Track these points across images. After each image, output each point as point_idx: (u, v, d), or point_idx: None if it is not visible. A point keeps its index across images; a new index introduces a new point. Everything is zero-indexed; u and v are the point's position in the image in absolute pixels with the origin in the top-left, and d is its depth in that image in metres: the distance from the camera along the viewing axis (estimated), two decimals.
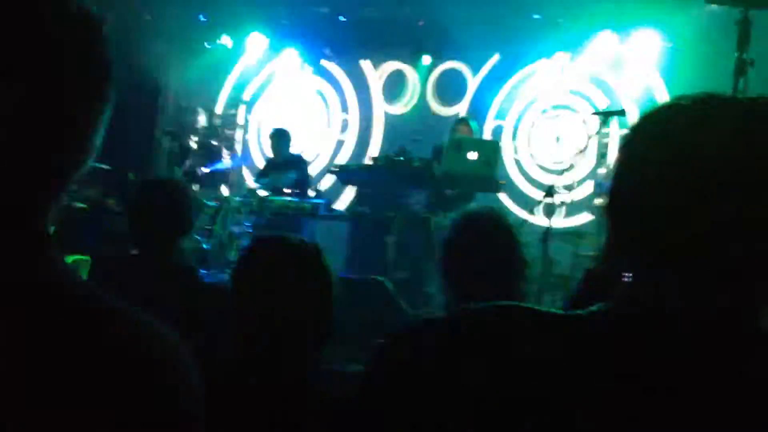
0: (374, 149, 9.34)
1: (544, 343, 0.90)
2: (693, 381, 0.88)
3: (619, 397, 0.88)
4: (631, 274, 0.94)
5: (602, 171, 7.76)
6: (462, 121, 7.10)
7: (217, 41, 9.50)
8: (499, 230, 2.24)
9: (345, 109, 9.74)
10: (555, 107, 8.90)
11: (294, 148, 7.76)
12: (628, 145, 0.97)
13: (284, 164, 7.40)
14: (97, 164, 6.47)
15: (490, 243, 2.19)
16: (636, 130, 0.97)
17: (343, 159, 9.30)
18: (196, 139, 9.33)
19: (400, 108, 9.49)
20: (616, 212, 0.96)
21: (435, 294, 2.34)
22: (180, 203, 2.71)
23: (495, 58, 8.94)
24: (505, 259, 2.18)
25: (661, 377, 0.88)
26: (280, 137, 7.63)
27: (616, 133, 8.08)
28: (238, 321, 1.78)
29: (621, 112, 5.59)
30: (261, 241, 1.91)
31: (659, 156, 0.92)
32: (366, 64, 9.55)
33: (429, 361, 0.95)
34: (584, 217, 7.90)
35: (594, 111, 6.23)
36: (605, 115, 5.58)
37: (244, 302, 1.77)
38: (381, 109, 9.59)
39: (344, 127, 9.72)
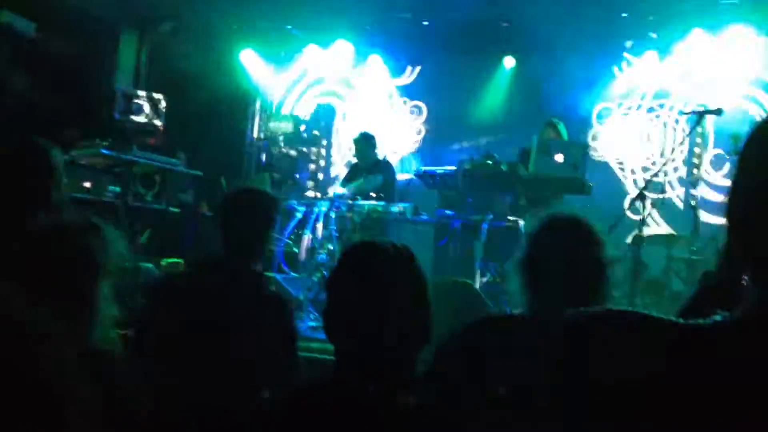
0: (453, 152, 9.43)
1: (670, 354, 0.87)
2: None
3: (749, 407, 0.85)
4: (750, 281, 0.91)
5: (696, 173, 7.54)
6: (550, 124, 6.99)
7: (303, 49, 9.67)
8: (581, 232, 2.21)
9: (420, 111, 9.82)
10: (648, 109, 8.75)
11: (379, 153, 7.82)
12: (755, 149, 0.93)
13: (370, 168, 7.45)
14: (190, 170, 6.68)
15: (572, 244, 2.18)
16: (762, 133, 0.93)
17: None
18: (283, 146, 9.52)
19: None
20: (739, 220, 0.93)
21: (513, 293, 2.33)
22: (265, 213, 2.89)
23: (580, 57, 8.80)
24: (586, 261, 2.16)
25: None
26: (366, 141, 7.68)
27: (710, 132, 7.84)
28: (334, 327, 1.80)
29: (717, 111, 5.39)
30: (354, 248, 1.91)
31: None
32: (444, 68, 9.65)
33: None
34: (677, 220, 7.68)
35: (688, 110, 6.03)
36: (700, 114, 5.41)
37: (340, 309, 1.79)
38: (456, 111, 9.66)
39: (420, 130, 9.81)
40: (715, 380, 0.85)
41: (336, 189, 7.37)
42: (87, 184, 6.77)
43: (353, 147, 7.94)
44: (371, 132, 7.91)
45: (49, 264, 1.92)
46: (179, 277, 2.89)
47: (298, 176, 9.67)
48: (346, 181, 7.62)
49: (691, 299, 1.49)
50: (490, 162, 6.52)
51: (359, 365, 1.74)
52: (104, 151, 6.69)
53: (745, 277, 0.93)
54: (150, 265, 5.63)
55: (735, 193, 0.93)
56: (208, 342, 2.62)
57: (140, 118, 8.06)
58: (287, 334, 2.80)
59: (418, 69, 9.75)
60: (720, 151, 7.92)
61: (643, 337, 0.91)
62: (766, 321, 0.88)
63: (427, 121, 9.85)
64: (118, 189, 6.88)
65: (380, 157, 7.80)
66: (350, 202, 6.95)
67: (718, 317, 0.91)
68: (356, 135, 7.91)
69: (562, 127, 6.95)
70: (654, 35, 8.19)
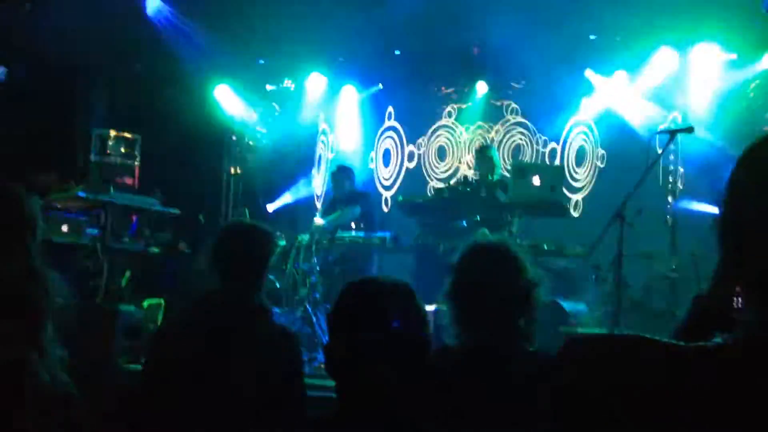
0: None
1: (677, 375, 0.87)
2: None
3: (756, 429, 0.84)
4: (744, 301, 0.91)
5: (671, 190, 7.63)
6: (481, 149, 7.25)
7: (281, 84, 9.72)
8: (502, 258, 2.29)
9: (411, 140, 9.85)
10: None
11: (358, 184, 7.85)
12: (747, 168, 0.93)
13: (348, 200, 7.46)
14: (167, 209, 6.62)
15: (494, 271, 2.26)
16: (757, 153, 0.93)
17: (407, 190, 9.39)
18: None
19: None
20: (732, 242, 0.92)
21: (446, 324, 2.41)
22: (261, 248, 2.92)
23: (551, 80, 8.90)
24: (509, 287, 2.24)
25: None
26: (343, 173, 7.71)
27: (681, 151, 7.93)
28: (337, 364, 1.79)
29: (688, 129, 5.47)
30: (355, 285, 1.91)
31: None
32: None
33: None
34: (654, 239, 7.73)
35: (660, 129, 6.12)
36: (672, 133, 5.48)
37: (342, 346, 1.79)
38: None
39: (410, 157, 9.83)
40: (722, 402, 0.85)
41: (316, 221, 7.36)
42: (64, 228, 6.71)
43: (331, 179, 7.95)
44: (348, 164, 7.94)
45: None
46: (182, 319, 2.91)
47: (275, 210, 9.67)
48: (325, 213, 7.62)
49: (685, 321, 1.50)
50: (468, 188, 6.56)
51: (362, 400, 1.75)
52: (81, 194, 6.65)
53: (738, 299, 0.93)
54: (132, 308, 5.57)
55: (727, 215, 0.93)
56: (215, 381, 2.63)
57: (116, 159, 8.02)
58: (294, 368, 2.79)
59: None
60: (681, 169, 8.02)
61: (648, 359, 0.90)
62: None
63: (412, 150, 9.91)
64: (95, 231, 6.82)
65: (359, 188, 7.83)
66: (330, 233, 6.94)
67: (718, 339, 0.91)
68: (334, 167, 7.93)
69: (493, 152, 7.13)
70: (623, 55, 8.31)
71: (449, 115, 9.64)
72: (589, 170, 8.81)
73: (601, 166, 8.70)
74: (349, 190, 7.64)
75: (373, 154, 9.95)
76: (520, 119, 9.31)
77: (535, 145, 9.16)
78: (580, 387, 0.93)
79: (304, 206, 9.84)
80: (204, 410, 2.60)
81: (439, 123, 9.70)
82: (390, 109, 9.92)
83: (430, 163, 9.72)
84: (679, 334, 1.56)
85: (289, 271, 6.85)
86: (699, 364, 0.89)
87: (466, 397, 2.16)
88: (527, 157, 9.10)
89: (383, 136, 9.98)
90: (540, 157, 9.04)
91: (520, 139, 9.26)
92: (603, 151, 8.74)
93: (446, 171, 9.55)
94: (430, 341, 1.83)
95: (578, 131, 8.96)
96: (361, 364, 1.75)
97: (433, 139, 9.74)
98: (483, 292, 2.24)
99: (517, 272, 2.27)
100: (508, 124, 9.35)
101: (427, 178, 9.63)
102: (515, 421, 2.05)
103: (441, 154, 9.67)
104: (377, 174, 9.91)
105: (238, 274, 2.83)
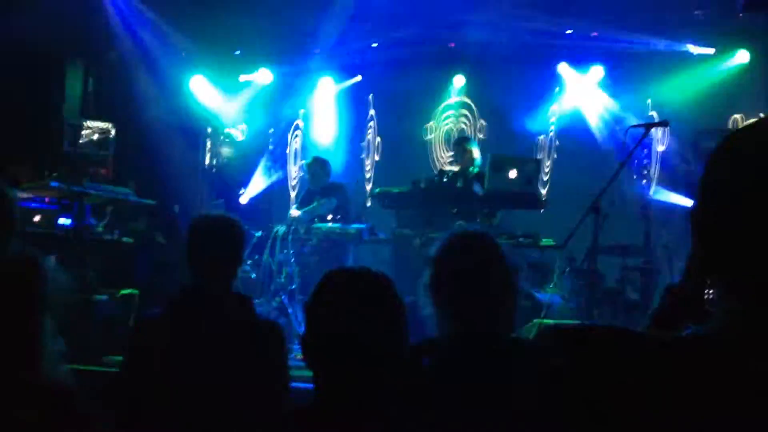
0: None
1: (653, 366, 0.87)
2: None
3: (749, 420, 0.85)
4: (716, 292, 0.91)
5: (646, 183, 7.70)
6: (459, 142, 7.26)
7: (255, 73, 9.65)
8: (482, 247, 2.29)
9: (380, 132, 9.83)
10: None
11: (333, 175, 7.84)
12: (721, 160, 0.93)
13: (324, 192, 7.45)
14: (142, 199, 6.56)
15: (474, 260, 2.25)
16: (732, 144, 0.93)
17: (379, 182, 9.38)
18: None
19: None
20: (707, 235, 0.92)
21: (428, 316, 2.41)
22: (235, 238, 2.90)
23: (527, 73, 8.95)
24: (490, 275, 2.24)
25: None
26: (318, 165, 7.70)
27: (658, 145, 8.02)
28: (314, 353, 1.80)
29: (663, 123, 5.53)
30: (333, 275, 1.91)
31: (759, 173, 0.88)
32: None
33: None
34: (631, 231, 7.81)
35: (635, 123, 6.16)
36: (647, 127, 5.52)
37: (320, 336, 1.80)
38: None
39: (379, 149, 9.82)
40: (698, 393, 0.85)
41: (292, 212, 7.35)
42: (36, 218, 6.63)
43: (306, 171, 7.93)
44: (323, 156, 7.93)
45: None
46: (162, 313, 2.88)
47: (250, 200, 9.63)
48: (301, 205, 7.61)
49: (658, 312, 1.51)
50: (444, 180, 6.57)
51: (340, 391, 1.76)
52: (54, 184, 6.57)
53: (710, 291, 0.93)
54: (104, 297, 5.53)
55: (702, 207, 0.93)
56: (200, 374, 2.61)
57: (90, 149, 7.94)
58: (279, 362, 2.78)
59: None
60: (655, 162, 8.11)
61: (622, 350, 0.90)
62: (745, 335, 0.89)
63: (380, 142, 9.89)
64: (68, 222, 6.74)
65: (335, 180, 7.82)
66: (308, 225, 6.93)
67: (692, 330, 0.91)
68: (309, 159, 7.91)
69: (472, 144, 7.16)
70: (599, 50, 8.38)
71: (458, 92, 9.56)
72: (551, 162, 8.93)
73: (555, 157, 8.86)
74: (324, 182, 7.63)
75: (364, 145, 9.93)
76: (464, 99, 9.36)
77: (475, 130, 9.23)
78: (556, 377, 0.93)
79: (279, 197, 9.80)
80: (189, 403, 2.58)
81: (446, 102, 9.64)
82: (370, 100, 9.90)
83: (439, 150, 9.65)
84: (652, 324, 1.58)
85: (265, 261, 6.83)
86: (674, 355, 0.89)
87: (450, 386, 2.16)
88: None
89: (368, 127, 9.96)
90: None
91: (464, 123, 9.33)
92: (558, 143, 8.90)
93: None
94: (406, 330, 1.83)
95: (550, 124, 9.06)
96: (338, 355, 1.76)
97: (442, 122, 9.66)
98: (465, 280, 2.24)
99: (497, 259, 2.28)
100: (453, 103, 9.40)
101: (431, 166, 9.55)
102: (502, 408, 2.06)
103: (449, 140, 9.53)
104: (365, 165, 9.89)
105: (213, 266, 2.81)
